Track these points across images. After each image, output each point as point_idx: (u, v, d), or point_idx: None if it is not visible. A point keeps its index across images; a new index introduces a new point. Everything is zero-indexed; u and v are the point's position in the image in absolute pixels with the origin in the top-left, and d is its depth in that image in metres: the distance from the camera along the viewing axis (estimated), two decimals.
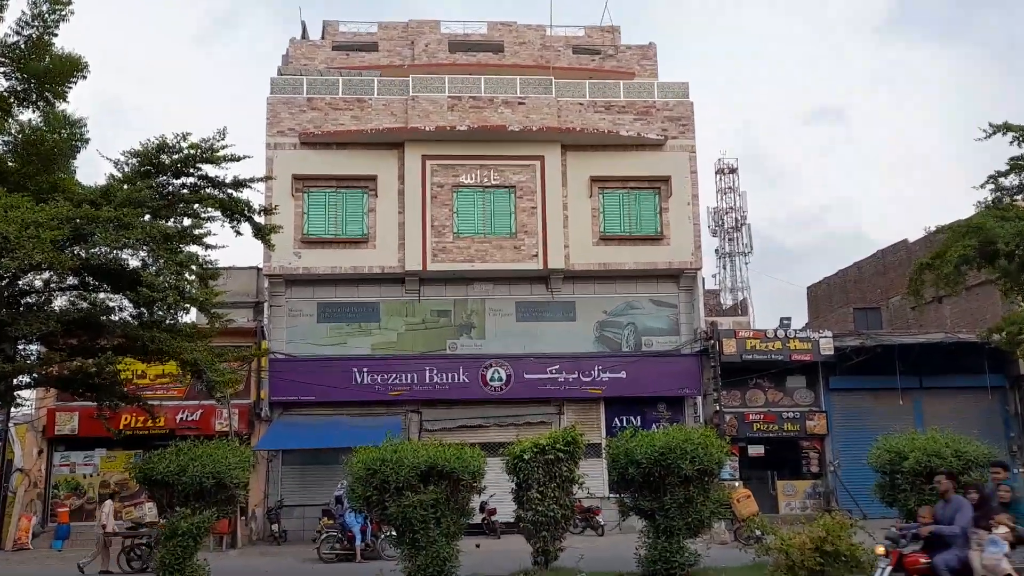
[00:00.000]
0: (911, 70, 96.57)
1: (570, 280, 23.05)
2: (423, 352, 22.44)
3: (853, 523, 9.78)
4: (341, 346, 22.33)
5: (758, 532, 15.53)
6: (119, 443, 19.79)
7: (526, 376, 22.11)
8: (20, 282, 13.63)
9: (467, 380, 21.98)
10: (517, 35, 26.44)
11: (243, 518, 20.05)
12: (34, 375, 14.54)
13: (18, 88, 13.98)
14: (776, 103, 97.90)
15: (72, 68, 14.01)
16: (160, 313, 14.19)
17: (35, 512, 21.05)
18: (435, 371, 22.00)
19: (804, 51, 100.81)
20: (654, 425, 20.29)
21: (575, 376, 22.24)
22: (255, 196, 15.01)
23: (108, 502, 17.64)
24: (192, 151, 14.32)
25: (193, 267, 14.11)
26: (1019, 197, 16.22)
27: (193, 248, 14.33)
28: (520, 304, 23.01)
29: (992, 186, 16.05)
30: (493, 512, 19.82)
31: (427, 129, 22.49)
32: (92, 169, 67.40)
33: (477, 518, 16.01)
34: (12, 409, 17.71)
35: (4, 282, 13.19)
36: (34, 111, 14.25)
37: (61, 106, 14.37)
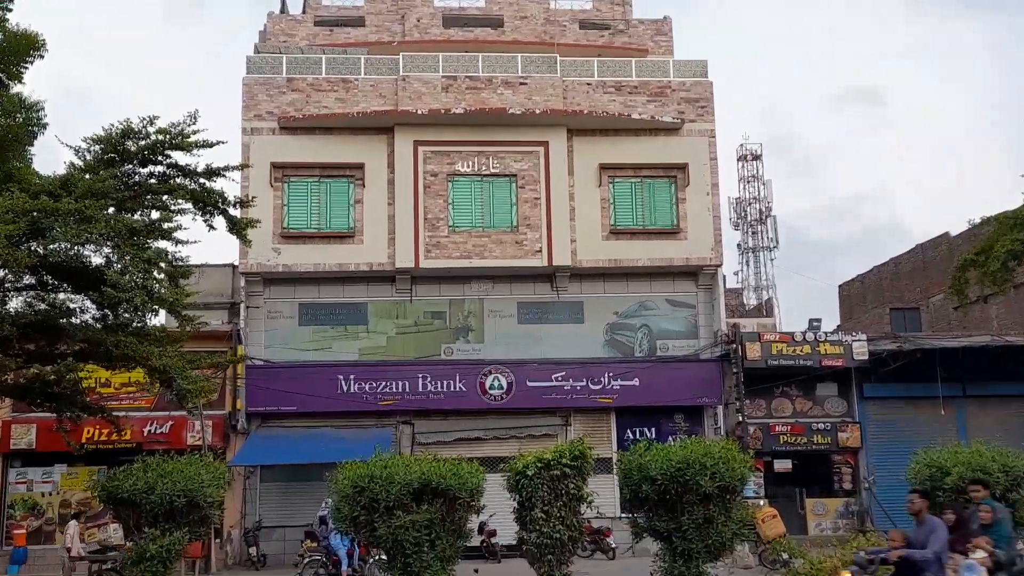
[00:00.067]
0: (950, 44, 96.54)
1: (577, 278, 23.06)
2: (415, 358, 22.45)
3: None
4: (325, 351, 22.33)
5: (785, 555, 15.58)
6: (81, 458, 19.78)
7: (529, 384, 22.13)
8: None
9: (464, 388, 21.99)
10: (518, 8, 26.46)
11: (218, 540, 20.07)
12: None
13: None
14: (804, 82, 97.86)
15: (28, 46, 14.06)
16: (126, 315, 14.22)
17: None
18: (429, 379, 22.01)
19: (834, 25, 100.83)
20: (670, 438, 20.25)
21: (583, 384, 22.25)
22: (230, 186, 15.08)
23: (72, 523, 17.68)
24: (160, 137, 14.35)
25: (162, 264, 14.15)
26: None
27: (162, 244, 14.37)
28: (522, 305, 23.01)
29: None
30: (493, 534, 19.84)
31: (419, 112, 22.50)
32: (51, 157, 67.43)
33: (475, 540, 16.04)
34: None
35: None
36: None
37: (16, 88, 14.41)
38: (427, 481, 11.58)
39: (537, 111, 22.67)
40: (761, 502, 19.88)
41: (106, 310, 14.31)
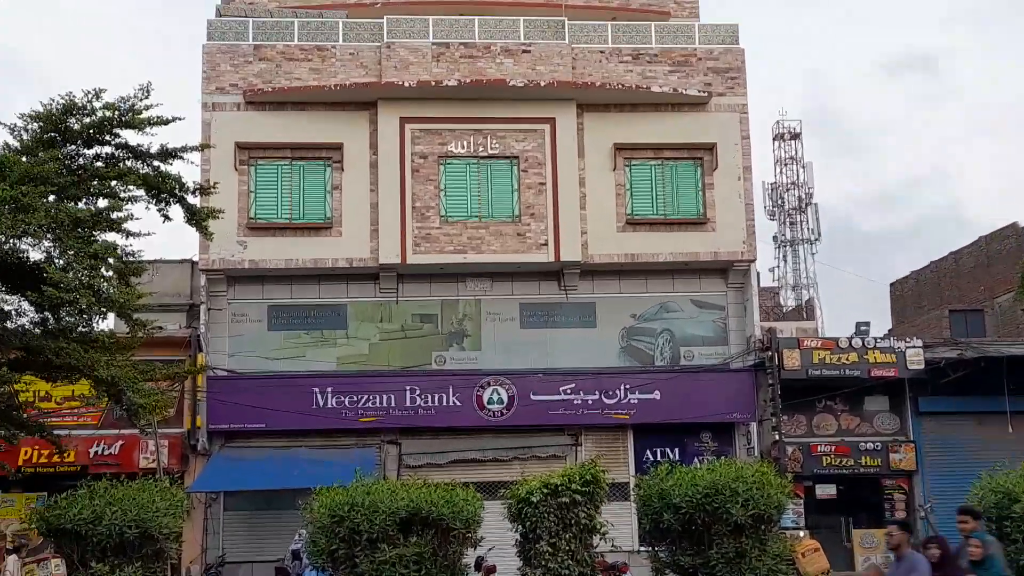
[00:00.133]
0: (1015, 2, 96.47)
1: (588, 276, 23.06)
2: (402, 367, 22.46)
3: None
4: (298, 360, 22.33)
5: None
6: (17, 483, 19.79)
7: (533, 398, 22.13)
8: None
9: (458, 403, 21.99)
10: None
11: None
12: None
13: None
14: (849, 49, 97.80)
15: None
16: (70, 319, 14.23)
17: None
18: (418, 391, 22.02)
19: None
20: (696, 459, 20.24)
21: (595, 398, 22.26)
22: (188, 170, 15.14)
23: (12, 558, 17.62)
24: (108, 113, 14.38)
25: (111, 260, 14.17)
26: None
27: (110, 236, 14.38)
28: (525, 306, 23.02)
29: None
30: (492, 570, 19.71)
31: (406, 84, 22.50)
32: None
33: None
34: None
35: None
36: None
37: None
38: (416, 510, 11.61)
39: (542, 83, 22.67)
40: (801, 533, 19.83)
41: (46, 313, 14.33)
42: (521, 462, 21.54)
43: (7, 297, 14.56)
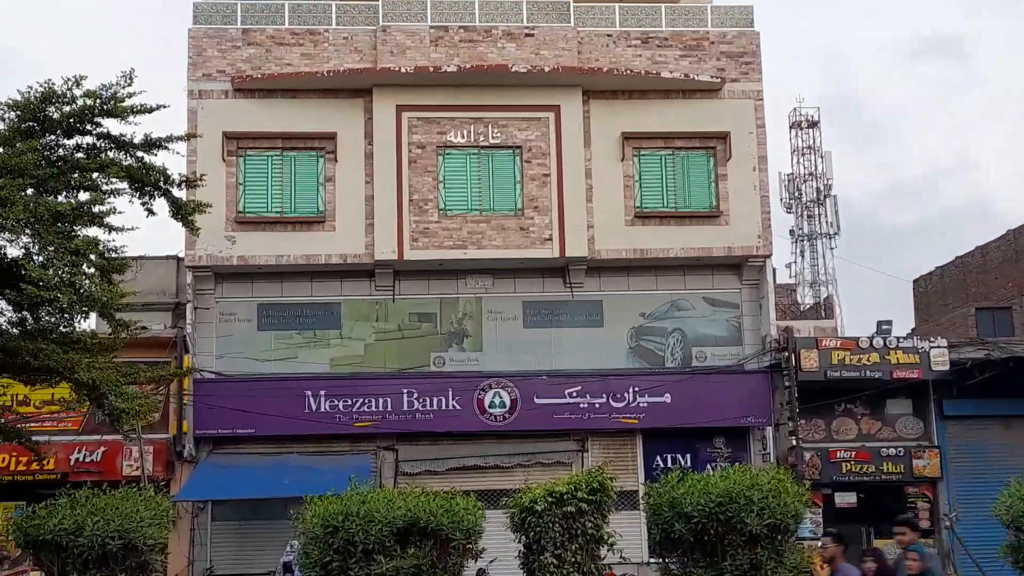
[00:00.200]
0: None
1: (595, 272, 23.08)
2: (399, 369, 22.49)
3: None
4: (290, 362, 22.37)
5: None
6: None
7: (537, 401, 22.16)
8: None
9: (458, 407, 22.02)
10: None
11: None
12: None
13: None
14: (871, 32, 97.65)
15: None
16: (49, 319, 14.25)
17: None
18: (416, 395, 22.05)
19: None
20: (709, 466, 20.28)
21: (603, 401, 22.29)
22: (174, 161, 15.14)
23: None
24: (89, 101, 14.37)
25: (92, 256, 14.17)
26: None
27: (92, 231, 14.38)
28: (528, 305, 23.04)
29: None
30: None
31: (403, 70, 22.51)
32: None
33: None
34: None
35: None
36: None
37: None
38: (414, 519, 11.61)
39: (546, 69, 22.67)
40: (820, 543, 19.86)
41: (25, 312, 14.34)
42: (524, 469, 21.54)
43: None
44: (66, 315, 14.15)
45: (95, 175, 14.47)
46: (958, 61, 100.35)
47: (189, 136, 17.54)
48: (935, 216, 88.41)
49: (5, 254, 14.06)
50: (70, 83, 14.38)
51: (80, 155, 14.73)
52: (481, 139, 22.85)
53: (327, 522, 11.84)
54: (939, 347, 22.60)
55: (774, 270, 24.52)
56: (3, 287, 13.89)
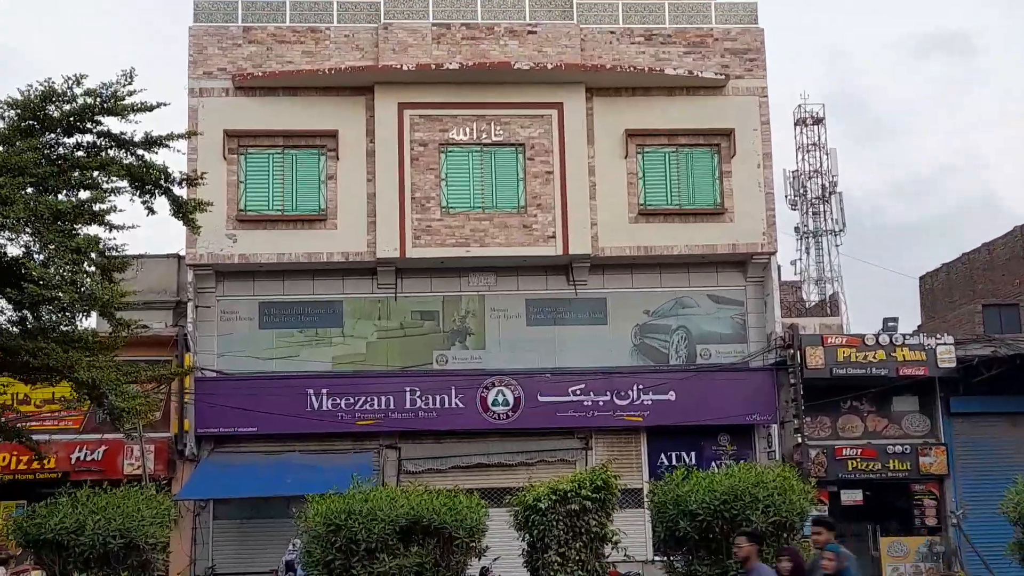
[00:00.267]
0: None
1: (599, 270, 23.07)
2: (402, 368, 22.49)
3: None
4: (291, 360, 22.37)
5: None
6: None
7: (541, 399, 22.15)
8: None
9: (461, 405, 22.02)
10: None
11: None
12: None
13: None
14: (877, 28, 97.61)
15: None
16: (52, 317, 14.27)
17: None
18: (418, 393, 22.04)
19: None
20: (714, 464, 20.26)
21: (606, 399, 22.27)
22: (174, 160, 15.13)
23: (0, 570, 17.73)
24: (89, 100, 14.39)
25: (93, 255, 14.18)
26: None
27: (93, 229, 14.40)
28: (532, 302, 23.03)
29: None
30: None
31: (405, 68, 22.50)
32: None
33: None
34: None
35: None
36: None
37: None
38: (417, 517, 11.63)
39: (549, 66, 22.64)
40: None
41: (25, 311, 14.36)
42: (528, 467, 21.56)
43: None
44: (67, 314, 14.17)
45: (95, 173, 14.49)
46: (964, 57, 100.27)
47: (190, 134, 17.55)
48: (941, 213, 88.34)
49: (5, 253, 14.08)
50: (70, 82, 14.39)
51: (80, 153, 14.75)
52: (483, 136, 22.83)
53: (329, 520, 11.86)
54: (946, 344, 22.58)
55: (779, 267, 24.47)
56: (4, 286, 13.90)
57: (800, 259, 52.40)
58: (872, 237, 79.81)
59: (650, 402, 22.33)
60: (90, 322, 16.70)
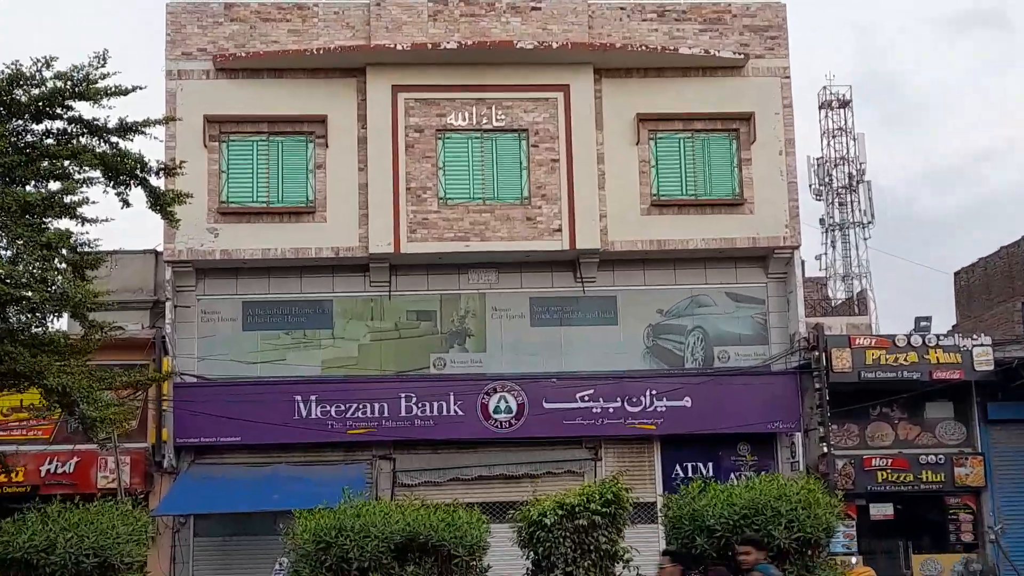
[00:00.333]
0: None
1: (609, 266, 23.07)
2: (396, 372, 22.51)
3: None
4: (278, 364, 22.38)
5: None
6: None
7: (546, 406, 22.16)
8: None
9: (460, 412, 22.03)
10: None
11: None
12: None
13: None
14: (908, 3, 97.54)
15: None
16: (20, 318, 14.28)
17: None
18: (414, 399, 22.05)
19: None
20: (733, 475, 20.22)
21: (617, 405, 22.27)
22: (151, 148, 15.14)
23: None
24: (59, 83, 14.39)
25: (64, 251, 14.20)
26: None
27: (64, 223, 14.42)
28: (536, 301, 23.04)
29: None
30: None
31: (399, 48, 22.49)
32: None
33: None
34: None
35: None
36: None
37: None
38: (413, 534, 11.63)
39: (554, 45, 22.64)
40: (853, 559, 19.87)
41: None
42: (532, 479, 21.56)
43: None
44: (37, 314, 14.18)
45: (66, 163, 14.52)
46: (1002, 33, 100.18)
47: (167, 120, 17.60)
48: (978, 202, 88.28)
49: None
50: (39, 64, 14.41)
51: (50, 141, 14.77)
52: (484, 122, 22.82)
53: (319, 538, 11.86)
54: (983, 345, 22.56)
55: (803, 262, 24.48)
56: None
57: (825, 254, 52.52)
58: (903, 229, 79.86)
59: (664, 409, 22.33)
60: (61, 324, 16.72)
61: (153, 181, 15.66)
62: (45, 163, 14.46)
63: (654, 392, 22.37)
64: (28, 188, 14.20)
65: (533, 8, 23.10)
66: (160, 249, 22.41)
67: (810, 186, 51.24)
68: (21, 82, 14.35)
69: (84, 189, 14.67)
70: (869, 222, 51.68)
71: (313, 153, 22.71)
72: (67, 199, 14.35)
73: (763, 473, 15.01)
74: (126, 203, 15.45)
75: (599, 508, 12.65)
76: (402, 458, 22.18)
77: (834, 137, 50.69)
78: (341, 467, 21.58)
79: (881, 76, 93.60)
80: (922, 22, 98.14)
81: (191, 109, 22.10)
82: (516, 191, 22.73)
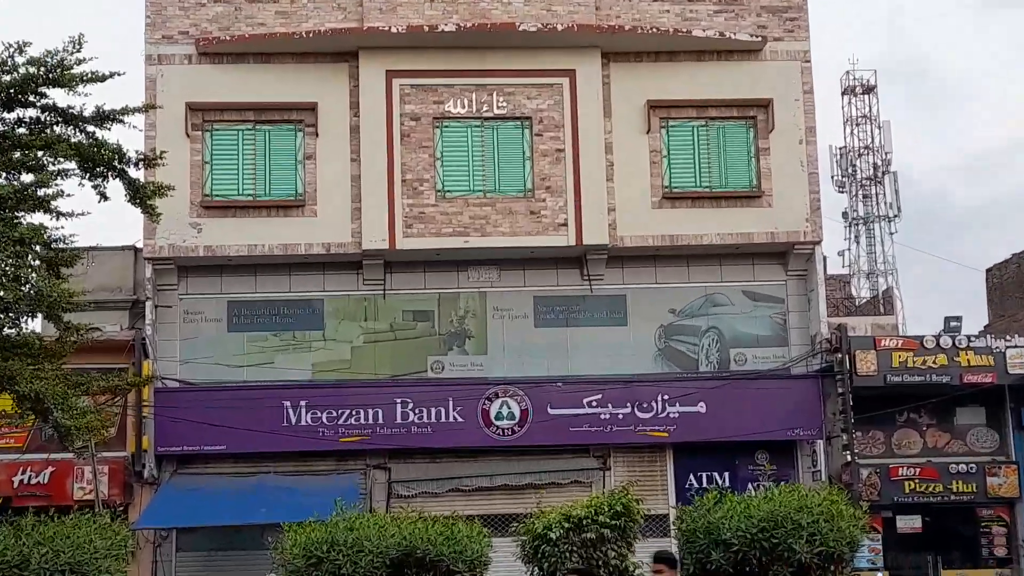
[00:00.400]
0: None
1: (618, 262, 23.09)
2: (392, 376, 22.53)
3: None
4: (265, 368, 22.41)
5: None
6: None
7: (551, 412, 22.18)
8: None
9: (460, 418, 22.05)
10: None
11: None
12: None
13: None
14: None
15: None
16: None
17: None
18: (411, 405, 22.07)
19: None
20: (750, 486, 20.28)
21: (627, 411, 22.29)
22: (130, 138, 15.15)
23: None
24: (32, 69, 14.41)
25: (37, 247, 14.21)
26: None
27: (37, 217, 14.43)
28: (541, 300, 23.05)
29: None
30: None
31: (394, 30, 22.50)
32: None
33: None
34: None
35: None
36: None
37: None
38: (410, 549, 11.64)
39: (559, 27, 22.64)
40: (879, 574, 19.87)
41: None
42: (537, 490, 21.43)
43: None
44: (9, 315, 14.20)
45: (40, 153, 14.54)
46: None
47: (147, 107, 17.60)
48: (1013, 195, 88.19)
49: None
50: (11, 49, 14.43)
51: (22, 130, 14.79)
52: (484, 109, 22.83)
53: (309, 552, 11.87)
54: (1017, 347, 22.57)
55: (824, 258, 24.45)
56: None
57: (849, 249, 52.58)
58: (931, 223, 79.85)
59: (677, 415, 22.34)
60: (35, 325, 16.74)
61: (132, 173, 15.67)
62: (17, 153, 14.48)
63: (666, 397, 22.37)
64: None
65: None
66: (140, 245, 22.41)
67: (832, 177, 51.32)
68: None
69: (59, 181, 14.70)
70: (895, 215, 51.74)
71: (302, 143, 22.72)
72: (41, 192, 14.37)
73: (783, 483, 15.01)
74: (103, 196, 15.45)
75: (608, 521, 12.66)
76: (398, 467, 22.20)
77: (858, 125, 50.74)
78: (333, 477, 21.61)
79: (909, 59, 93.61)
80: (952, 2, 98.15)
81: (172, 96, 22.10)
82: (519, 183, 22.74)
